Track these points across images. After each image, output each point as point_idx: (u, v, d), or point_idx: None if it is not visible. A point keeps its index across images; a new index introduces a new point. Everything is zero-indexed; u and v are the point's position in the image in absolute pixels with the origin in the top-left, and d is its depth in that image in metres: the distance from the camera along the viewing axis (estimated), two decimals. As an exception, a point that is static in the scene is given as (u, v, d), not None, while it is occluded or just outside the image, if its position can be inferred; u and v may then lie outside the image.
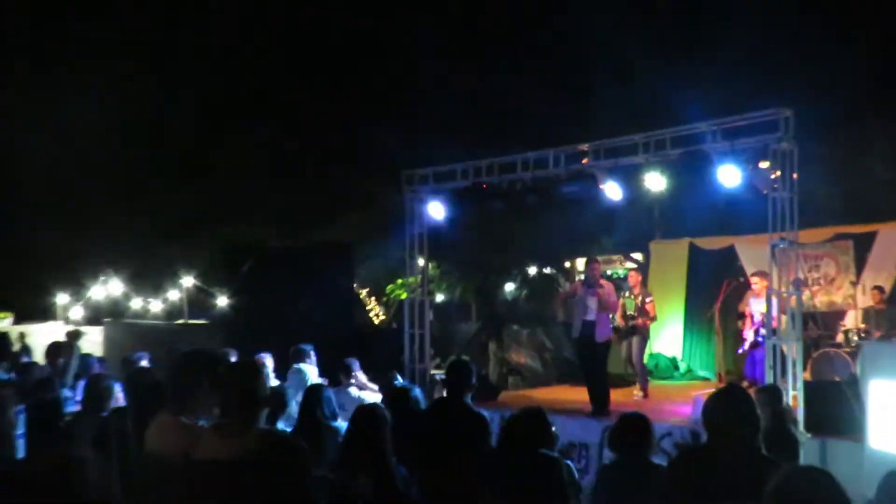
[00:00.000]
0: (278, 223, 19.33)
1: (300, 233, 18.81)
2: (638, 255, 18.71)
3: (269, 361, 8.37)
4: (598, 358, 9.71)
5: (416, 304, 12.20)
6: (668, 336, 14.46)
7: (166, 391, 3.54)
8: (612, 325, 10.08)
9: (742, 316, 11.36)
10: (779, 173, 8.70)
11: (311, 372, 8.23)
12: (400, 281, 21.12)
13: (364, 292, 22.83)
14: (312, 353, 8.57)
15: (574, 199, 10.84)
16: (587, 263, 10.15)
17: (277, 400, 6.22)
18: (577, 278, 22.86)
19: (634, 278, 11.63)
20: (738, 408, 3.37)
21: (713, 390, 3.65)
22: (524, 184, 10.64)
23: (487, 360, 15.75)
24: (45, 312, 20.94)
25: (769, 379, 8.63)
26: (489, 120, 18.44)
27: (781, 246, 8.87)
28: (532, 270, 23.16)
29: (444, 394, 5.63)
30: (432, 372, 12.00)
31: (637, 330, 11.17)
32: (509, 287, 25.36)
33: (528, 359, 16.01)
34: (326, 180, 19.94)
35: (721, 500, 3.12)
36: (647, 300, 11.34)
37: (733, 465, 3.23)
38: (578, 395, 10.37)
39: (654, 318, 11.48)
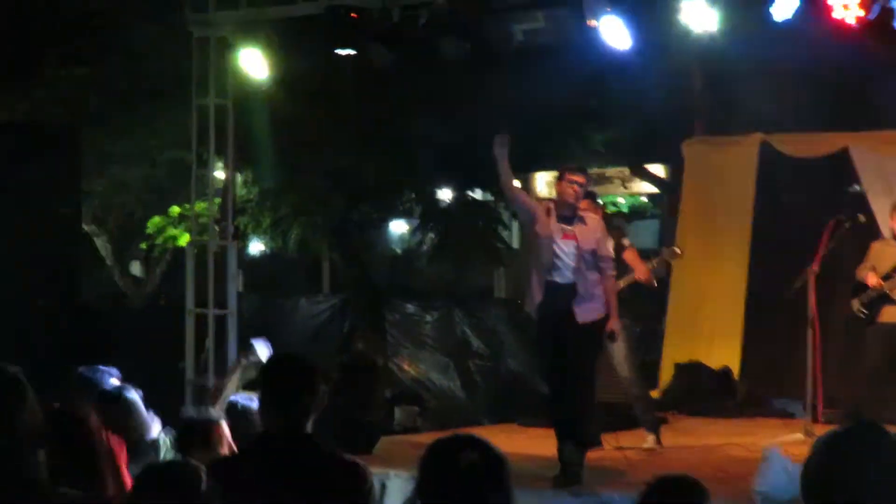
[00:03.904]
0: None
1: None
2: (658, 168, 18.96)
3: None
4: (578, 357, 9.84)
5: (212, 257, 12.09)
6: (713, 330, 14.80)
7: None
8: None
9: (862, 288, 11.61)
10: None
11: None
12: (175, 211, 20.84)
13: (99, 231, 22.48)
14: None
15: (536, 50, 10.81)
16: (558, 177, 10.23)
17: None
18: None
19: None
20: (884, 469, 3.43)
21: (819, 435, 3.69)
22: (435, 14, 10.58)
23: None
24: None
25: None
26: None
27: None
28: (446, 195, 23.22)
29: (265, 426, 5.63)
30: (237, 398, 11.91)
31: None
32: (398, 228, 25.45)
33: (435, 371, 16.16)
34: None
35: None
36: (625, 244, 11.45)
37: None
38: (535, 443, 10.46)
39: (649, 280, 11.74)
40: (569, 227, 9.78)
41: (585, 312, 9.76)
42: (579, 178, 9.93)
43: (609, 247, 10.21)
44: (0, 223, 12.83)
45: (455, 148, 18.97)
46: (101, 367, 8.66)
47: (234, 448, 6.18)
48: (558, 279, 9.77)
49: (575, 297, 9.73)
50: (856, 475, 3.50)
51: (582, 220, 9.81)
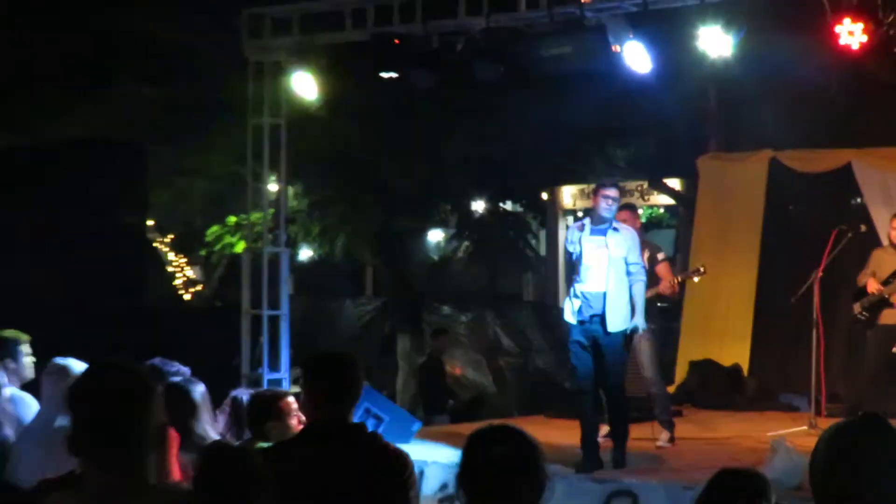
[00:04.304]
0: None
1: (34, 125, 18.36)
2: (675, 182, 18.91)
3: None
4: (610, 362, 9.88)
5: (266, 262, 12.12)
6: (725, 330, 14.73)
7: None
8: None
9: (862, 293, 11.56)
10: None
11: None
12: (232, 220, 20.92)
13: (162, 239, 22.56)
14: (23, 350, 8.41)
15: (564, 74, 10.81)
16: (595, 190, 10.23)
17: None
18: (560, 222, 23.11)
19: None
20: (887, 462, 3.44)
21: (829, 426, 3.67)
22: (470, 40, 10.59)
23: (394, 370, 15.84)
24: None
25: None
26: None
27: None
28: (479, 206, 23.23)
29: (309, 418, 5.67)
30: (293, 391, 11.98)
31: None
32: (436, 236, 25.45)
33: (469, 367, 16.16)
34: (86, 23, 19.40)
35: None
36: (659, 258, 11.46)
37: None
38: (565, 435, 10.44)
39: (673, 293, 11.68)
40: (601, 238, 9.81)
41: (616, 319, 9.78)
42: (612, 193, 9.96)
43: (639, 255, 10.17)
44: (72, 231, 12.89)
45: (488, 163, 18.99)
46: (173, 363, 8.67)
47: (303, 420, 6.16)
48: (591, 288, 9.81)
49: (606, 305, 9.75)
50: (859, 464, 3.49)
51: (616, 230, 9.83)
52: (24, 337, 8.43)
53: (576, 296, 9.89)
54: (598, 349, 9.86)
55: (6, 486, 4.93)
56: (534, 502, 3.91)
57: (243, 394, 8.37)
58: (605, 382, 9.96)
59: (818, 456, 3.55)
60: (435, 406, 13.88)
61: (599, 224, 9.86)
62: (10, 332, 8.32)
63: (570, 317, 9.95)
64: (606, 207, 9.84)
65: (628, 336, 10.11)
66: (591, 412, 10.02)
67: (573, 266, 10.05)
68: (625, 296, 9.91)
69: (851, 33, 8.97)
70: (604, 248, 9.78)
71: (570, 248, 10.10)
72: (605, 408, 10.27)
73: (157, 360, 8.13)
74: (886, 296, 11.37)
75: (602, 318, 9.79)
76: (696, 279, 12.11)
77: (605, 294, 9.77)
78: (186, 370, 8.09)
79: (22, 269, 12.29)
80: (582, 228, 10.04)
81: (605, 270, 9.78)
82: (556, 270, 22.68)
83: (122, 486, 3.51)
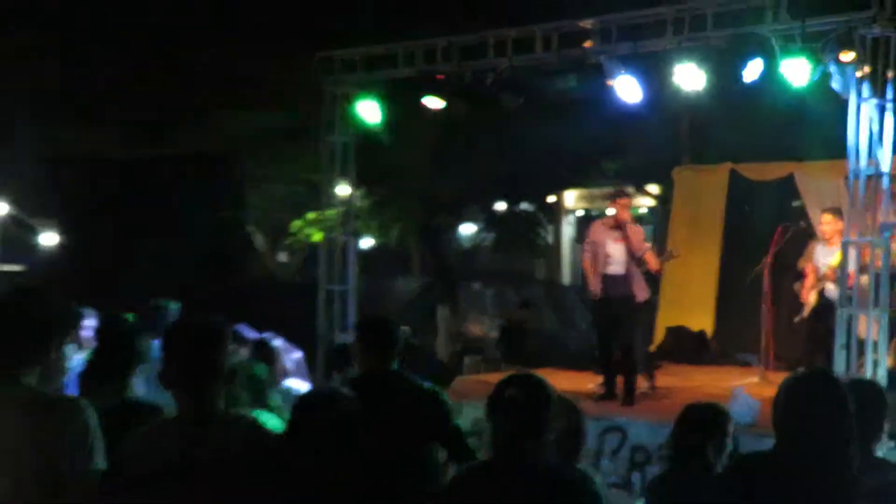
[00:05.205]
0: (124, 124, 18.84)
1: (155, 140, 18.38)
2: (654, 188, 18.78)
3: (90, 321, 8.14)
4: (626, 325, 10.24)
5: (337, 248, 12.08)
6: (694, 303, 14.62)
7: None
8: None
9: (801, 276, 11.42)
10: (867, 70, 8.63)
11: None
12: (311, 216, 20.88)
13: (256, 231, 22.54)
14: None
15: (570, 102, 10.77)
16: (613, 198, 10.73)
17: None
18: (565, 219, 23.02)
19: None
20: (831, 404, 3.42)
21: (786, 378, 3.65)
22: (498, 76, 10.49)
23: (434, 332, 15.74)
24: None
25: (839, 365, 8.67)
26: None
27: (865, 175, 8.83)
28: (501, 207, 23.15)
29: (363, 368, 5.67)
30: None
31: None
32: (468, 229, 25.37)
33: (493, 331, 16.06)
34: (197, 62, 19.34)
35: None
36: (646, 246, 11.51)
37: (817, 485, 3.25)
38: (570, 381, 10.39)
39: (658, 272, 11.88)
40: (619, 233, 10.22)
41: (639, 292, 10.29)
42: (625, 201, 10.60)
43: (643, 246, 10.53)
44: (184, 226, 12.88)
45: (508, 173, 18.93)
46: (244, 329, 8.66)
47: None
48: (611, 272, 10.20)
49: (624, 284, 10.16)
50: (811, 407, 3.57)
51: (628, 229, 10.24)
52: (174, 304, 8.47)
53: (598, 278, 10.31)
54: (614, 317, 10.23)
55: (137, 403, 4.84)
56: (543, 432, 3.87)
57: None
58: (623, 340, 10.34)
59: (779, 400, 3.54)
60: (517, 359, 13.95)
61: (616, 224, 10.33)
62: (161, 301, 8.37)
63: (596, 291, 10.35)
64: (622, 211, 10.43)
65: (632, 305, 10.31)
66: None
67: (596, 253, 10.38)
68: (638, 276, 10.31)
69: (796, 73, 8.89)
70: (622, 240, 10.21)
71: (595, 238, 10.46)
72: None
73: (239, 325, 8.13)
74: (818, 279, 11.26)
75: (619, 292, 10.15)
76: (672, 259, 12.11)
77: (623, 275, 10.17)
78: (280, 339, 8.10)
79: (154, 253, 12.31)
80: (604, 225, 10.51)
81: (623, 257, 10.17)
82: (560, 256, 22.59)
83: (202, 410, 3.58)
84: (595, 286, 10.34)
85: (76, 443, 3.44)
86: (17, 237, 22.06)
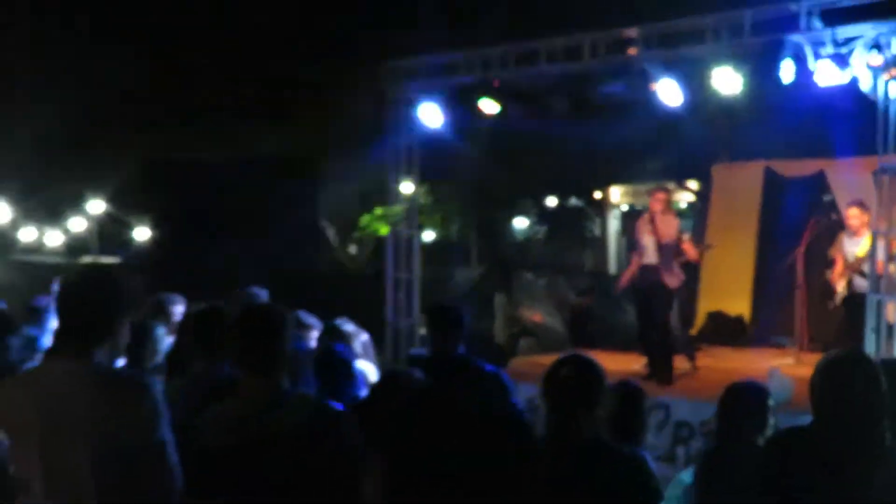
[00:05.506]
0: (208, 129, 19.03)
1: (238, 142, 18.56)
2: (694, 184, 18.58)
3: (179, 307, 8.20)
4: (659, 310, 10.18)
5: (403, 241, 12.13)
6: (732, 290, 14.45)
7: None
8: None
9: (832, 264, 11.26)
10: (894, 73, 8.49)
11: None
12: (379, 211, 20.97)
13: (329, 226, 22.67)
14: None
15: (615, 104, 10.72)
16: (650, 194, 10.67)
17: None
18: (611, 213, 22.87)
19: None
20: (866, 383, 3.37)
21: (822, 357, 3.60)
22: (550, 82, 10.47)
23: (492, 318, 15.71)
24: None
25: (869, 347, 8.55)
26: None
27: (893, 171, 8.71)
28: (552, 202, 23.06)
29: (432, 351, 5.66)
30: (423, 332, 12.00)
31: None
32: (521, 223, 25.30)
33: (546, 316, 16.02)
34: (275, 72, 19.50)
35: (828, 498, 3.30)
36: (685, 237, 11.44)
37: (850, 458, 3.21)
38: (615, 361, 10.35)
39: (697, 260, 11.82)
40: (650, 226, 10.14)
41: (669, 279, 10.14)
42: (658, 195, 10.38)
43: (674, 235, 10.38)
44: (267, 222, 12.99)
45: (558, 171, 18.84)
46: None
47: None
48: (645, 262, 10.18)
49: (655, 272, 10.09)
50: (846, 385, 3.52)
51: (663, 222, 10.13)
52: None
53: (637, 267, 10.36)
54: (648, 303, 10.26)
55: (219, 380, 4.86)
56: (592, 407, 3.86)
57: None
58: (653, 323, 10.34)
59: (816, 379, 3.49)
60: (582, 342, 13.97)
61: (653, 217, 10.25)
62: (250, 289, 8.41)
63: (623, 284, 10.63)
64: (658, 205, 10.28)
65: (663, 292, 10.19)
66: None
67: (635, 244, 10.47)
68: (671, 265, 10.23)
69: (828, 74, 8.79)
70: (652, 232, 10.13)
71: (635, 235, 10.49)
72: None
73: (300, 312, 8.12)
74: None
75: (651, 280, 10.12)
76: (708, 252, 12.05)
77: (655, 265, 10.13)
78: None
79: (237, 246, 12.43)
80: (643, 220, 10.45)
81: (654, 247, 10.12)
82: (606, 248, 22.44)
83: (266, 388, 3.62)
84: (623, 279, 10.65)
85: (141, 416, 3.41)
86: (113, 232, 22.43)
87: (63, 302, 3.59)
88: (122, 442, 3.36)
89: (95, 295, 3.58)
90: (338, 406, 3.90)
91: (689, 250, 11.20)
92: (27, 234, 22.20)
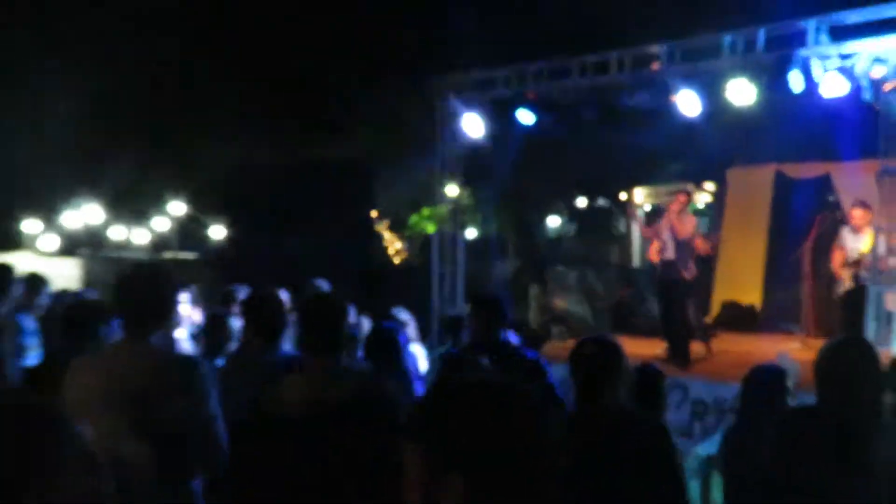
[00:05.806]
0: (276, 138, 19.17)
1: (302, 150, 18.68)
2: (710, 185, 18.41)
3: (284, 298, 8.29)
4: (677, 301, 10.18)
5: (447, 238, 12.15)
6: (745, 281, 14.36)
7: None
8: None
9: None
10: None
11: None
12: (426, 211, 21.02)
13: (384, 224, 22.75)
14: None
15: (639, 114, 10.69)
16: (672, 194, 10.97)
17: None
18: (637, 214, 22.73)
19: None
20: (865, 362, 3.36)
21: (825, 343, 3.57)
22: (580, 94, 10.44)
23: (527, 307, 15.68)
24: (9, 241, 21.02)
25: (870, 334, 8.44)
26: (538, 14, 17.97)
27: (894, 173, 8.58)
28: (581, 203, 22.94)
29: (473, 337, 5.65)
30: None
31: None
32: (554, 222, 25.21)
33: (576, 305, 15.95)
34: (333, 86, 19.61)
35: (836, 469, 3.28)
36: (699, 234, 11.43)
37: (854, 432, 3.19)
38: (638, 347, 10.31)
39: (707, 254, 12.11)
40: (671, 225, 10.16)
41: (686, 274, 10.20)
42: (682, 198, 10.47)
43: (688, 232, 10.35)
44: (327, 220, 13.06)
45: (588, 174, 18.77)
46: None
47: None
48: (665, 257, 10.22)
49: (673, 267, 10.11)
50: (849, 368, 3.51)
51: (680, 221, 10.15)
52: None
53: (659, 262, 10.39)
54: (668, 294, 10.30)
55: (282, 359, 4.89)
56: (614, 379, 3.86)
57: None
58: (670, 311, 10.35)
59: (821, 362, 3.46)
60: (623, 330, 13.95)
61: (672, 216, 10.28)
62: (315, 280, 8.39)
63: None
64: (678, 206, 10.37)
65: (680, 284, 10.18)
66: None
67: (658, 243, 10.40)
68: (688, 260, 10.25)
69: (832, 84, 8.70)
70: (669, 230, 10.16)
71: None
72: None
73: (395, 309, 8.16)
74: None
75: (669, 273, 10.11)
76: (720, 246, 12.01)
77: (673, 260, 10.14)
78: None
79: (302, 243, 12.51)
80: (661, 217, 10.53)
81: (672, 243, 10.13)
82: (631, 244, 22.30)
83: (328, 365, 3.62)
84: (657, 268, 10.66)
85: (192, 390, 3.54)
86: (191, 230, 22.69)
87: (121, 295, 3.79)
88: (175, 413, 3.48)
89: (145, 288, 3.75)
90: (391, 377, 3.95)
91: (700, 245, 11.20)
92: (117, 232, 22.57)
